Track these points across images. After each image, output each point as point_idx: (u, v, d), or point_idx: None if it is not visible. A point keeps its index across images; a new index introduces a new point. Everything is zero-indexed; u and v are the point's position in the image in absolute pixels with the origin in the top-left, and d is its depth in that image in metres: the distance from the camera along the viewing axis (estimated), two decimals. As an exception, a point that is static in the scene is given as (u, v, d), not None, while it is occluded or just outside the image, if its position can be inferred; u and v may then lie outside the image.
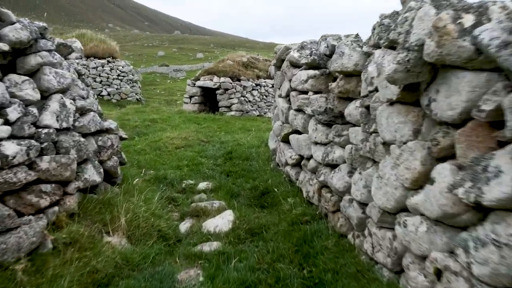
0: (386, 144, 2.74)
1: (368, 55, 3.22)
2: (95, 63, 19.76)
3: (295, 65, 4.92)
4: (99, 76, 19.78)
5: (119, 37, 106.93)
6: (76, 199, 3.48)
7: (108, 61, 20.32)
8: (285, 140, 5.47)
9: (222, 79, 15.28)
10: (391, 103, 2.59)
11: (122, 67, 20.68)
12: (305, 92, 4.62)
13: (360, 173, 3.23)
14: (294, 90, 4.91)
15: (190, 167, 6.75)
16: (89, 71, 19.57)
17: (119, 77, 20.40)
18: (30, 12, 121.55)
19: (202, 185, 5.49)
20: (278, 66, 5.93)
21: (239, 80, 15.61)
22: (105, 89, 19.80)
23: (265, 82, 16.65)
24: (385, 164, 2.72)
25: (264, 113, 16.38)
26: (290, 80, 5.00)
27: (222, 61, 16.35)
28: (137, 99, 20.89)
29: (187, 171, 6.43)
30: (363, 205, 3.18)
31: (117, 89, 20.14)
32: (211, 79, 15.53)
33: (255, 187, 5.44)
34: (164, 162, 7.15)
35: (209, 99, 16.45)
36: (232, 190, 5.31)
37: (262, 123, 13.82)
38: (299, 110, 4.81)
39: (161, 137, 8.97)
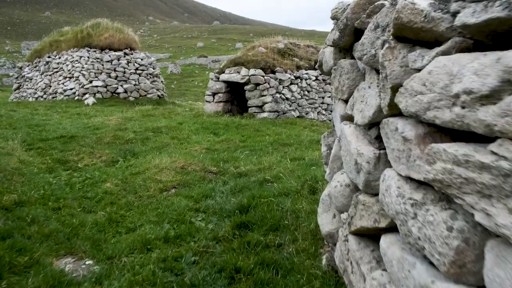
0: None
1: None
2: (110, 56, 17.18)
3: (416, 36, 1.52)
4: (114, 71, 17.19)
5: (159, 29, 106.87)
6: None
7: (125, 53, 17.67)
8: (363, 233, 2.14)
9: (252, 71, 11.99)
10: None
11: (141, 59, 17.95)
12: (474, 137, 1.23)
13: None
14: (415, 116, 1.51)
15: (167, 245, 3.56)
16: (103, 65, 17.04)
17: (137, 71, 17.70)
18: (74, 8, 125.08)
19: None
20: (343, 48, 2.52)
21: (273, 72, 12.24)
22: (121, 85, 17.19)
23: (307, 73, 13.14)
24: None
25: (306, 114, 12.92)
26: (392, 88, 1.59)
27: (253, 48, 13.02)
28: (158, 95, 18.14)
29: (155, 259, 3.25)
30: None
31: (135, 85, 17.47)
32: (238, 72, 12.28)
33: None
34: (128, 227, 4.05)
35: (236, 96, 13.24)
36: None
37: (303, 129, 10.44)
38: (436, 191, 1.42)
39: (149, 165, 5.88)
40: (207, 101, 13.22)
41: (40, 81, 18.58)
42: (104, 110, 14.17)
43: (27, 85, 19.47)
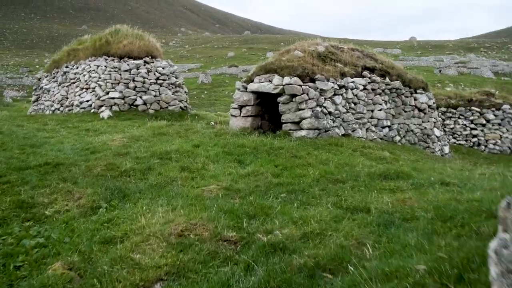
0: None
1: None
2: (128, 65, 15.57)
3: None
4: (133, 81, 15.52)
5: (190, 40, 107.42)
6: None
7: (146, 62, 16.02)
8: None
9: (287, 79, 9.81)
10: None
11: (163, 68, 16.23)
12: None
13: None
14: None
15: None
16: (120, 75, 15.43)
17: (158, 81, 15.98)
18: (109, 21, 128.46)
19: None
20: None
21: (313, 80, 10.01)
22: (140, 97, 15.48)
23: (353, 82, 10.80)
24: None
25: (352, 131, 10.54)
26: None
27: (287, 52, 10.85)
28: (181, 107, 16.31)
29: None
30: None
31: (155, 96, 15.72)
32: (269, 80, 10.15)
33: None
34: None
35: (268, 109, 11.12)
36: None
37: (354, 153, 8.12)
38: None
39: (131, 226, 3.79)
40: (232, 115, 11.15)
41: (57, 93, 17.28)
42: (117, 125, 12.44)
43: (44, 97, 18.26)
